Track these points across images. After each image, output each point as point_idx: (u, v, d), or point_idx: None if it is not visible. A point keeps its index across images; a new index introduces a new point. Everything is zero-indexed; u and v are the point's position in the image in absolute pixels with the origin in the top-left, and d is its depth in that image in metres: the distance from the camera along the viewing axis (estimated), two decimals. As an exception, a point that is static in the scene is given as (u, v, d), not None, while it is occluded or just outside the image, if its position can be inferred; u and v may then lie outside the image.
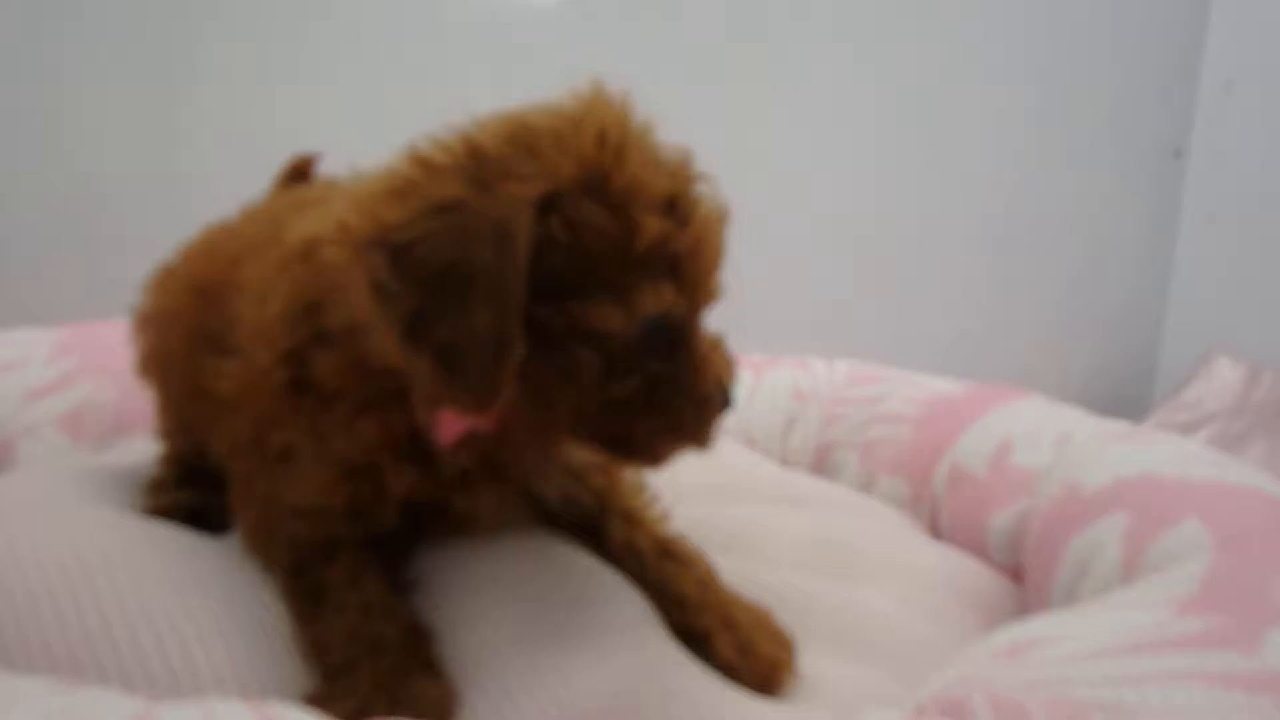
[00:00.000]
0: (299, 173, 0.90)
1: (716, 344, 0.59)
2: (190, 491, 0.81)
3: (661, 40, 1.82)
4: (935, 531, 1.05)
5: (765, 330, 1.82)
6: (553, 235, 0.49)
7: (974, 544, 0.97)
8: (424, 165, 0.51)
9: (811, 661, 0.66)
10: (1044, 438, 1.00)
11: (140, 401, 1.10)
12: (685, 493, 1.01)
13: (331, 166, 0.84)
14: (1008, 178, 2.07)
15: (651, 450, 0.57)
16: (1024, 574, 0.90)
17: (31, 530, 0.66)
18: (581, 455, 0.69)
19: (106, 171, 1.64)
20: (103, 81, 1.61)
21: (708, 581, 0.67)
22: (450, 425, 0.56)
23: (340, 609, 0.58)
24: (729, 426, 1.32)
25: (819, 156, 1.98)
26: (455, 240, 0.47)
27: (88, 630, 0.56)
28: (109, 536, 0.64)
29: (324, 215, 0.56)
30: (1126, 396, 2.15)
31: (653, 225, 0.51)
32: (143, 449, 1.02)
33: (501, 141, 0.50)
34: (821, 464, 1.23)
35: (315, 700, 0.54)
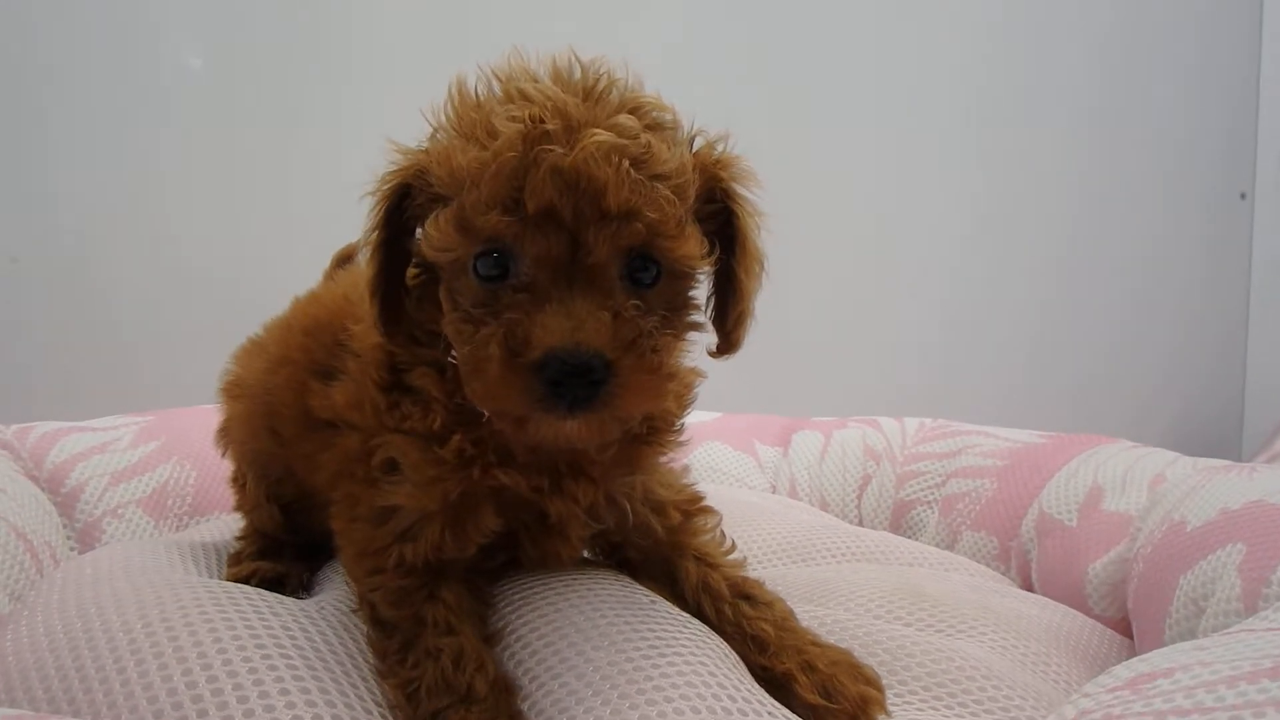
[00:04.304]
0: (345, 258, 0.98)
1: (589, 315, 0.51)
2: (270, 562, 0.82)
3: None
4: (1027, 585, 0.99)
5: (832, 392, 1.80)
6: (425, 181, 0.56)
7: (1071, 596, 0.92)
8: None
9: (905, 711, 0.62)
10: (1136, 481, 0.96)
11: (219, 484, 1.13)
12: (759, 553, 0.99)
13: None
14: (1070, 228, 2.06)
15: (468, 391, 0.54)
16: (1129, 623, 0.84)
17: (119, 591, 0.67)
18: (662, 492, 0.69)
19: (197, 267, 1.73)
20: (190, 180, 1.72)
21: (786, 623, 0.64)
22: None
23: (432, 655, 0.57)
24: (801, 488, 1.29)
25: (872, 207, 1.99)
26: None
27: (171, 683, 0.56)
28: (191, 595, 0.65)
29: None
30: (1213, 444, 2.06)
31: (445, 151, 0.53)
32: (221, 527, 1.04)
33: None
34: (899, 523, 1.19)
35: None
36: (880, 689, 0.60)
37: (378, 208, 0.58)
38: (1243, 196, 2.05)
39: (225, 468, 0.96)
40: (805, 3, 1.94)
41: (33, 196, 1.66)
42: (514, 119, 0.51)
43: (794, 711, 0.59)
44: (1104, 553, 0.90)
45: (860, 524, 1.21)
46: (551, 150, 0.50)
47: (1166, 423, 2.06)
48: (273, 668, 0.57)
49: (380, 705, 0.58)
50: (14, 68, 1.63)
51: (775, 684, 0.61)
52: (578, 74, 0.56)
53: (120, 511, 1.06)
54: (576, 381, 0.49)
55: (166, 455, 1.15)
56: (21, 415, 1.16)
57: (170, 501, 1.11)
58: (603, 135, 0.51)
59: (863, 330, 1.95)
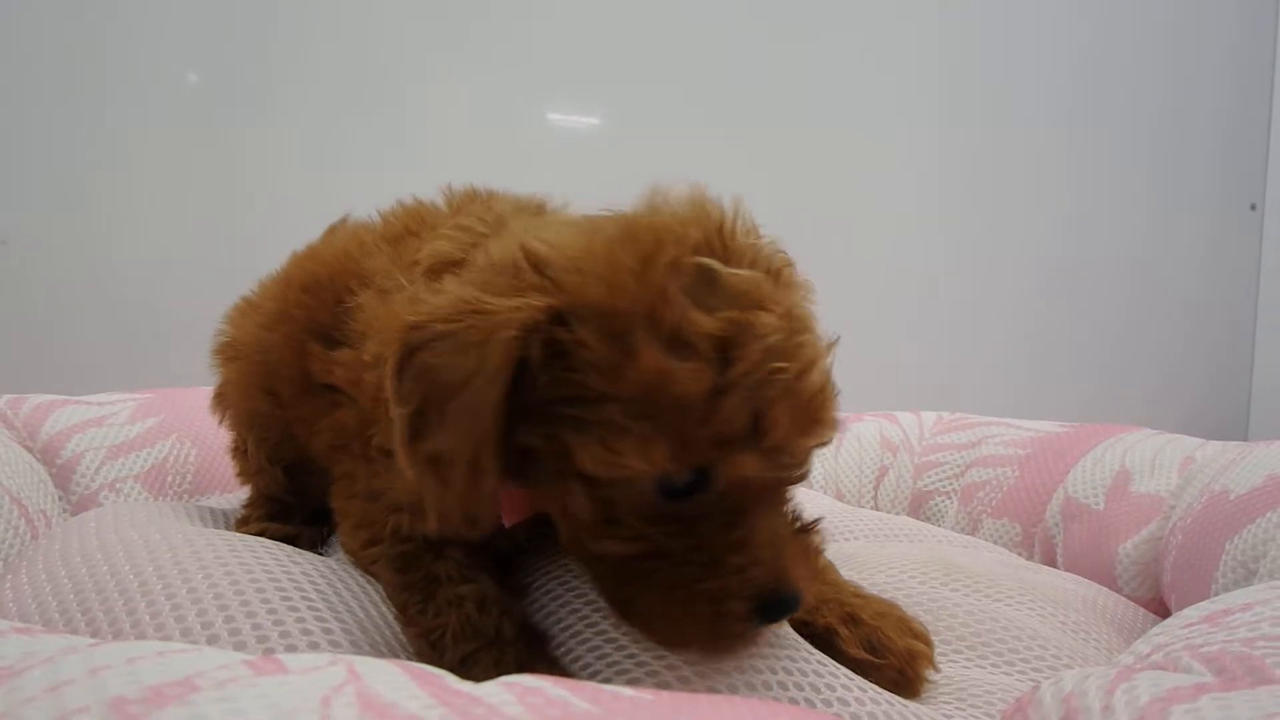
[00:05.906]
0: None
1: (786, 540, 0.46)
2: (279, 524, 0.79)
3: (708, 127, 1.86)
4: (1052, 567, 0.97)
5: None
6: (551, 358, 0.44)
7: (1100, 578, 0.89)
8: (488, 256, 0.49)
9: (951, 667, 0.60)
10: (1165, 464, 0.94)
11: (220, 463, 1.09)
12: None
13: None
14: (1077, 234, 2.07)
15: (653, 632, 0.49)
16: (1160, 604, 0.82)
17: (126, 538, 0.63)
18: None
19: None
20: (187, 172, 1.70)
21: (826, 575, 0.61)
22: (511, 511, 0.53)
23: (455, 602, 0.54)
24: (815, 479, 1.27)
25: (882, 211, 1.99)
26: (449, 351, 0.44)
27: (185, 624, 0.52)
28: (205, 542, 0.62)
29: (458, 238, 0.57)
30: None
31: (650, 361, 0.42)
32: (224, 505, 1.00)
33: (536, 251, 0.46)
34: (917, 512, 1.17)
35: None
36: (929, 643, 0.58)
37: (493, 374, 0.43)
38: (1253, 208, 2.06)
39: (225, 446, 0.92)
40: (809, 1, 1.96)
41: (26, 180, 1.63)
42: (742, 327, 0.42)
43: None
44: (1134, 532, 0.88)
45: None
46: (785, 370, 0.42)
47: (1170, 429, 2.06)
48: (293, 608, 0.54)
49: (407, 649, 0.55)
50: (12, 59, 1.62)
51: (817, 640, 0.58)
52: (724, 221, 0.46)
53: (118, 485, 1.02)
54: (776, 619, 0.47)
55: (165, 433, 1.12)
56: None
57: (170, 478, 1.08)
58: (813, 344, 0.44)
59: (868, 329, 1.94)
